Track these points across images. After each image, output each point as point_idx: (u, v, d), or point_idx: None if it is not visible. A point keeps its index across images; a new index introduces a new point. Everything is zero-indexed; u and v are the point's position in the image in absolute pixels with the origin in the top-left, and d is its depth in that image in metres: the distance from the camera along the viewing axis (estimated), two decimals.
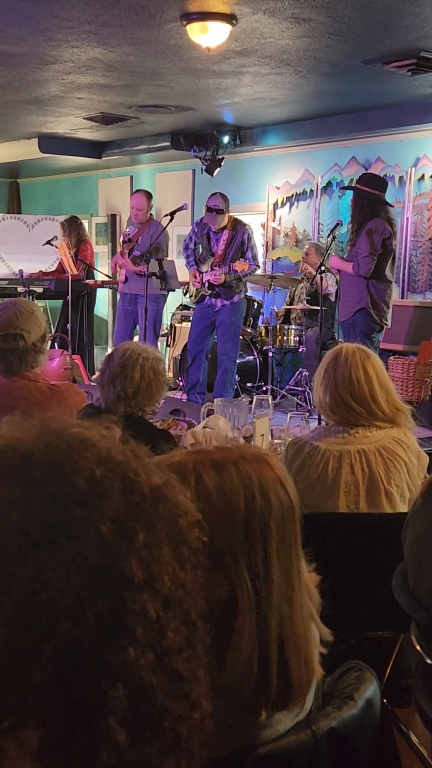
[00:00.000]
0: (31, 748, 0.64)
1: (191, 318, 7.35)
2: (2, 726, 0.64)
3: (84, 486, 0.68)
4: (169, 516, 0.72)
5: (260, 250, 8.57)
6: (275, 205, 8.80)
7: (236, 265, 6.58)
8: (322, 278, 6.73)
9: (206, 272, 6.77)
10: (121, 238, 7.79)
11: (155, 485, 0.73)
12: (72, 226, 8.65)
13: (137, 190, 7.77)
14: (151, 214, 7.53)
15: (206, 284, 6.74)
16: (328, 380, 2.40)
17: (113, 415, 0.83)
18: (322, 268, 6.56)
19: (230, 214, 6.85)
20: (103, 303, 10.76)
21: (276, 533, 1.07)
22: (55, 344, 7.84)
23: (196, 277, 6.85)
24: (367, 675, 1.11)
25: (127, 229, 7.64)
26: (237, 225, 6.79)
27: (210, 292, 6.75)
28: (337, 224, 6.57)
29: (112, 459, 0.72)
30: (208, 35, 5.02)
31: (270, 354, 7.26)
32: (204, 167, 8.53)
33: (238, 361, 7.18)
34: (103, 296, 10.66)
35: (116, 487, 0.70)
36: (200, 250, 6.96)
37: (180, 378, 7.50)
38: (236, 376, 7.09)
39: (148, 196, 7.48)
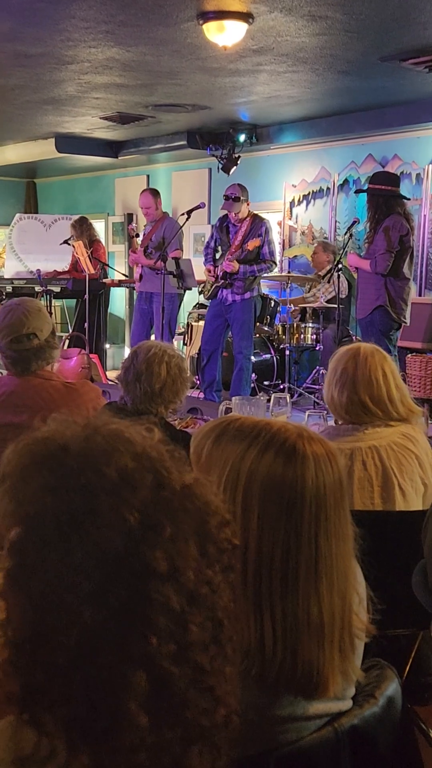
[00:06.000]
0: (58, 726, 0.66)
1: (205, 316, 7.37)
2: (39, 704, 0.66)
3: (115, 477, 0.70)
4: (198, 513, 0.73)
5: (277, 248, 8.57)
6: (292, 203, 8.78)
7: (248, 245, 6.61)
8: (339, 276, 6.71)
9: (220, 264, 6.79)
10: (129, 234, 7.86)
11: (186, 483, 0.75)
12: (84, 227, 8.70)
13: (142, 191, 7.79)
14: (165, 212, 7.55)
15: (220, 275, 6.76)
16: (345, 379, 2.39)
17: (151, 416, 0.85)
18: (339, 266, 6.54)
19: (249, 209, 6.88)
20: (120, 302, 10.79)
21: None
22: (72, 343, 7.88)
23: (210, 272, 6.88)
24: (388, 673, 1.11)
25: (133, 225, 7.69)
26: (256, 219, 6.85)
27: (222, 282, 6.77)
28: (354, 222, 6.56)
29: (146, 455, 0.74)
30: (225, 34, 5.02)
31: (287, 352, 7.24)
32: (220, 166, 8.54)
33: (255, 359, 7.17)
34: (119, 295, 10.68)
35: (147, 481, 0.72)
36: (219, 252, 6.99)
37: (197, 376, 7.51)
38: (253, 374, 7.09)
39: (154, 193, 7.53)
